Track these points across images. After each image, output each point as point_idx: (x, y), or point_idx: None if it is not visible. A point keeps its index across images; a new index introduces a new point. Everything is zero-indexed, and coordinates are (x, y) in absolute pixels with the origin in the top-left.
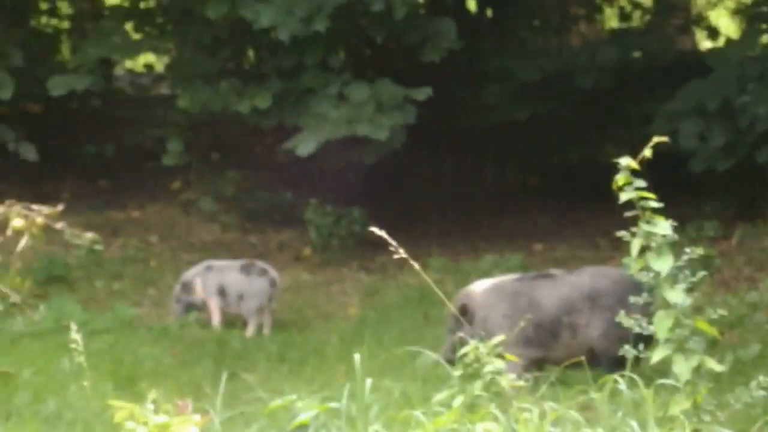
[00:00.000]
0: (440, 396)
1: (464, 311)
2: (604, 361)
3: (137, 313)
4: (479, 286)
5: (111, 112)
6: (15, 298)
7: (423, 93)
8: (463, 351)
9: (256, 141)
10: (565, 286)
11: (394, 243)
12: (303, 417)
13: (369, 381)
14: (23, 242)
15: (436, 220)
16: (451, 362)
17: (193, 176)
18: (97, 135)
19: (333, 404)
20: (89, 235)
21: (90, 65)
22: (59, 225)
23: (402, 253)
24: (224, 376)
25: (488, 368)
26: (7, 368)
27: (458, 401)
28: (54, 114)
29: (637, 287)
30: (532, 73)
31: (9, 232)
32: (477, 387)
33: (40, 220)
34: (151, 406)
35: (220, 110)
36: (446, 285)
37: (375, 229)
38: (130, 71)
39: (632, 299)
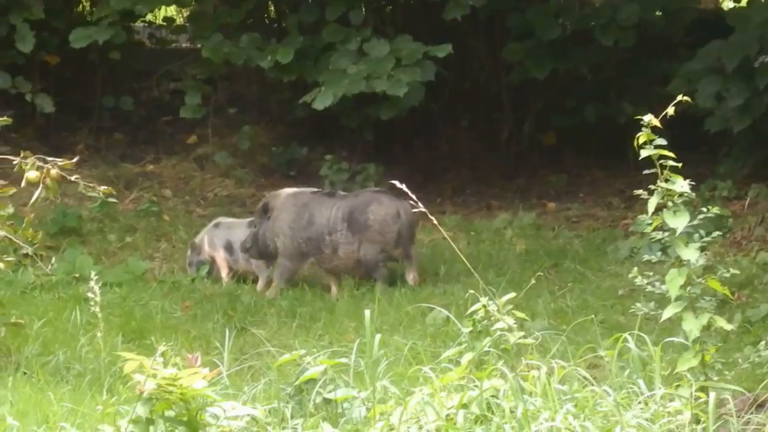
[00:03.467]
0: (449, 352)
1: (266, 209)
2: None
3: (149, 266)
4: (285, 191)
5: (129, 65)
6: (27, 249)
7: (443, 50)
8: (473, 308)
9: (273, 96)
10: (334, 207)
11: (413, 196)
12: (311, 372)
13: (378, 337)
14: (37, 194)
15: (450, 178)
16: (247, 251)
17: (209, 130)
18: (114, 87)
19: (342, 360)
20: (103, 188)
21: (112, 18)
22: (73, 177)
23: (421, 206)
24: (234, 331)
25: (497, 325)
26: (18, 319)
27: (466, 358)
28: (71, 66)
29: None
30: (553, 31)
31: (23, 184)
32: (485, 344)
33: (54, 172)
34: (160, 359)
35: (242, 64)
36: (459, 243)
37: (396, 182)
38: (150, 24)
39: None
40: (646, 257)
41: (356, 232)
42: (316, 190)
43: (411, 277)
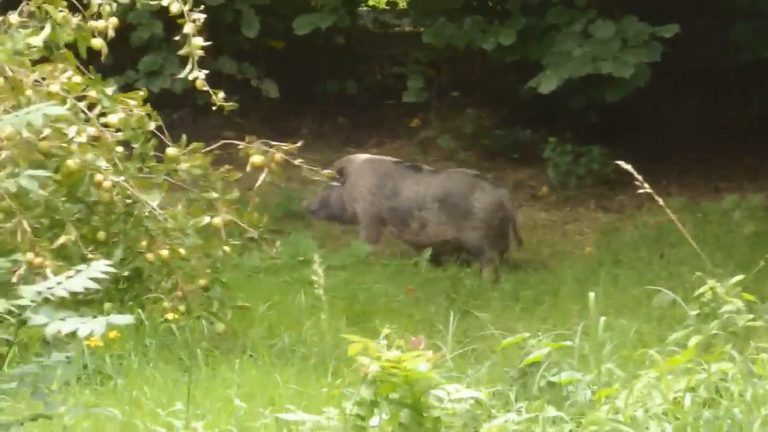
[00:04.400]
0: (675, 335)
1: (341, 173)
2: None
3: (373, 250)
4: (361, 156)
5: (353, 49)
6: (252, 233)
7: (670, 30)
8: (700, 290)
9: (496, 78)
10: (423, 183)
11: (639, 178)
12: (535, 355)
13: (603, 320)
14: (262, 178)
15: (676, 159)
16: (313, 213)
17: (432, 114)
18: (338, 72)
19: (566, 343)
20: (327, 172)
21: (334, 3)
22: (298, 161)
23: (647, 187)
24: (457, 314)
25: (725, 308)
26: (244, 302)
27: (694, 341)
28: (296, 51)
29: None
30: None
31: (248, 168)
32: (713, 327)
33: (279, 156)
34: (384, 342)
35: (464, 47)
36: (686, 225)
37: (621, 163)
38: (373, 8)
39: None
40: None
41: (455, 216)
42: (397, 160)
43: (486, 270)
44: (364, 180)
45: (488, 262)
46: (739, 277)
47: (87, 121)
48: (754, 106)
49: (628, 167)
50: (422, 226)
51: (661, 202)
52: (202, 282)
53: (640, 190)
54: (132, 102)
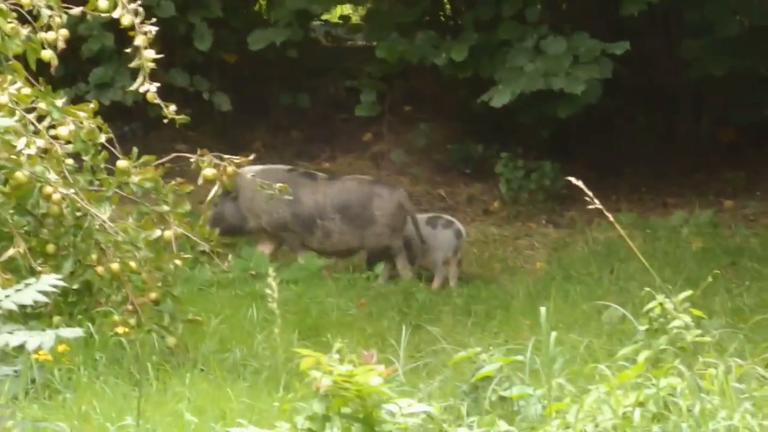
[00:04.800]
0: (625, 350)
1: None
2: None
3: (325, 263)
4: (251, 168)
5: (305, 63)
6: (204, 246)
7: (620, 47)
8: (649, 306)
9: (449, 93)
10: (321, 193)
11: (590, 194)
12: (487, 369)
13: (554, 334)
14: (214, 191)
15: (627, 175)
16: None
17: (385, 128)
18: (291, 85)
19: (517, 357)
20: (279, 185)
21: (288, 18)
22: (249, 175)
23: (597, 203)
24: (409, 328)
25: (674, 323)
26: (195, 316)
27: (643, 356)
28: (249, 64)
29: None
30: (731, 28)
31: (200, 181)
32: (662, 342)
33: (231, 169)
34: (336, 356)
35: (417, 62)
36: (635, 241)
37: (572, 179)
38: (326, 22)
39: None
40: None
41: (358, 226)
42: (290, 167)
43: (401, 266)
44: (257, 193)
45: (382, 270)
46: (688, 293)
47: (36, 133)
48: (704, 122)
49: (579, 183)
50: (326, 235)
51: (611, 218)
52: (153, 295)
53: (591, 206)
54: (82, 114)
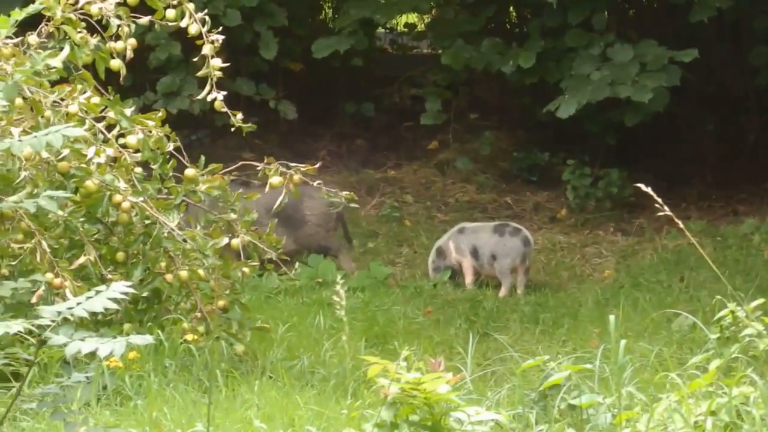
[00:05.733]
0: (696, 359)
1: None
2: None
3: (391, 271)
4: None
5: (371, 71)
6: (271, 254)
7: (689, 55)
8: (720, 314)
9: (514, 101)
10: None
11: (659, 200)
12: (555, 377)
13: (623, 343)
14: (280, 199)
15: (695, 183)
16: None
17: (450, 136)
18: (356, 93)
19: (586, 365)
20: (345, 194)
21: (352, 26)
22: (316, 183)
23: (667, 210)
24: (477, 336)
25: (746, 331)
26: (263, 323)
27: (714, 364)
28: (314, 72)
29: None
30: None
31: (267, 189)
32: (734, 350)
33: (297, 177)
34: (404, 363)
35: (482, 69)
36: (705, 248)
37: (641, 186)
38: (391, 30)
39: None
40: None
41: (291, 228)
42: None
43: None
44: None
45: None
46: (760, 301)
47: (106, 141)
48: None
49: (648, 190)
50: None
51: (681, 225)
52: (222, 303)
53: (660, 213)
54: (150, 123)
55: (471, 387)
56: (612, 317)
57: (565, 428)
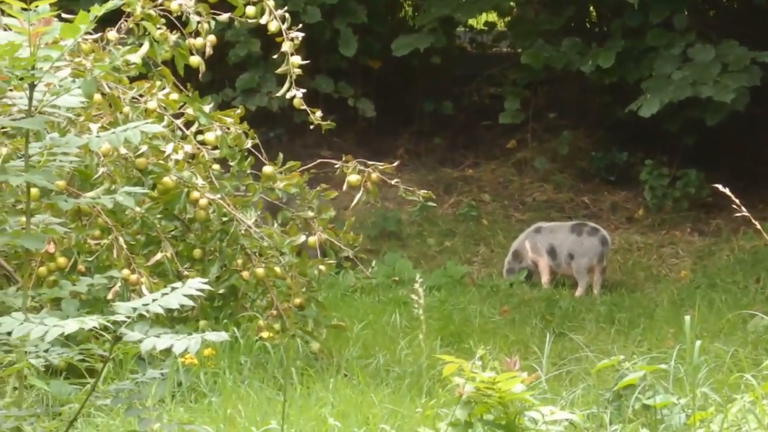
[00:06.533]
0: None
1: None
2: None
3: (468, 270)
4: None
5: (450, 70)
6: (348, 252)
7: None
8: None
9: (593, 100)
10: None
11: (737, 201)
12: (630, 377)
13: (698, 343)
14: (358, 197)
15: None
16: None
17: (528, 135)
18: (434, 92)
19: (661, 366)
20: (422, 192)
21: (432, 24)
22: (394, 181)
23: (744, 211)
24: (552, 336)
25: None
26: (339, 321)
27: None
28: (393, 70)
29: None
30: None
31: (345, 187)
32: None
33: (375, 175)
34: (479, 362)
35: (562, 68)
36: None
37: (719, 186)
38: (471, 29)
39: None
40: None
41: None
42: None
43: None
44: None
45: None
46: None
47: (184, 138)
48: None
49: (726, 190)
50: None
51: (758, 225)
52: (298, 301)
53: (737, 214)
54: (229, 120)
55: (546, 386)
56: (687, 318)
57: (639, 428)
